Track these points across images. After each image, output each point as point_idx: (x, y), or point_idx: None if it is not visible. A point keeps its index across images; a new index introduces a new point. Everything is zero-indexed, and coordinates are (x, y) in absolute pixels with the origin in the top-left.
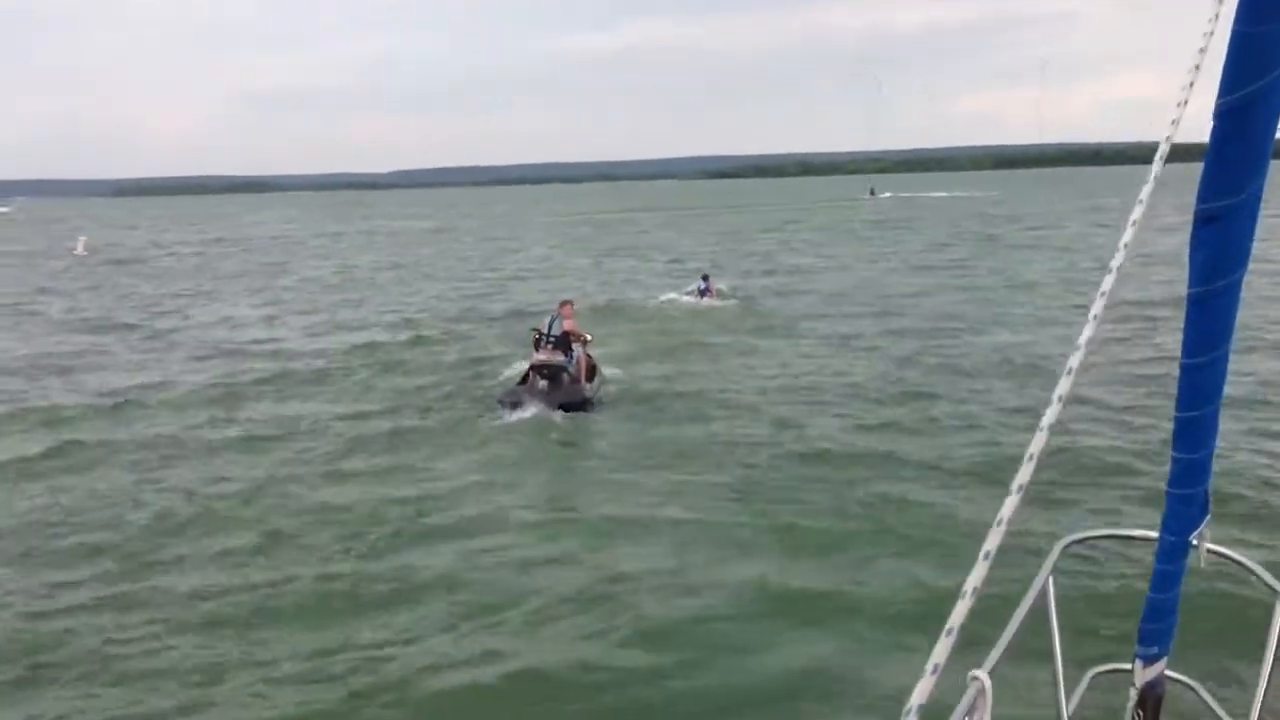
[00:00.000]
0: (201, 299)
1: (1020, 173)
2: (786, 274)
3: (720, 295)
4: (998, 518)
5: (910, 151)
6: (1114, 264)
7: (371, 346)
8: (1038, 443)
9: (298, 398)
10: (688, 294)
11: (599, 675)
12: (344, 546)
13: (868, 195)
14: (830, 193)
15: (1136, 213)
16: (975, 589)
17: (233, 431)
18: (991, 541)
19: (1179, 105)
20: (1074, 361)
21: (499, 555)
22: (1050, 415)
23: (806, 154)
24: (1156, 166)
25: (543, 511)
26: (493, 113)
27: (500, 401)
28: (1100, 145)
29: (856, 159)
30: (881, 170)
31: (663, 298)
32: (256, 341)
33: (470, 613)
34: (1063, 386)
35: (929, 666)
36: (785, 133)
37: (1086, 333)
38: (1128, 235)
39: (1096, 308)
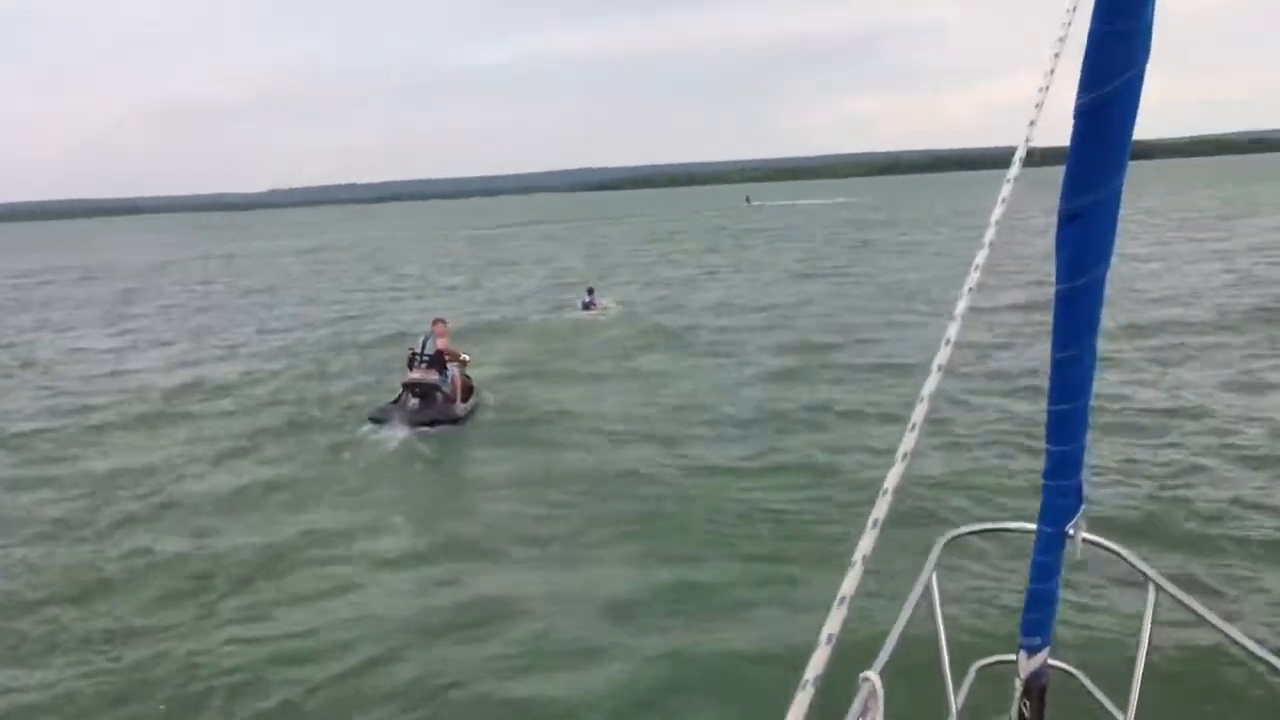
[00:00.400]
0: (48, 331)
1: (899, 178)
2: (667, 286)
3: (605, 309)
4: (883, 487)
5: (790, 160)
6: (977, 261)
7: (236, 373)
8: (919, 413)
9: (150, 430)
10: (573, 308)
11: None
12: (194, 579)
13: (745, 204)
14: (710, 203)
15: (997, 212)
16: (865, 556)
17: (70, 469)
18: (879, 509)
19: (1036, 106)
20: (951, 332)
21: (350, 578)
22: (929, 385)
23: (687, 164)
24: (1015, 169)
25: (402, 534)
26: (374, 129)
27: (370, 419)
28: (976, 150)
29: (738, 168)
30: (763, 179)
31: (546, 313)
32: (110, 375)
33: (318, 637)
34: (941, 356)
35: (823, 637)
36: (667, 144)
37: (953, 329)
38: (990, 234)
39: (961, 306)
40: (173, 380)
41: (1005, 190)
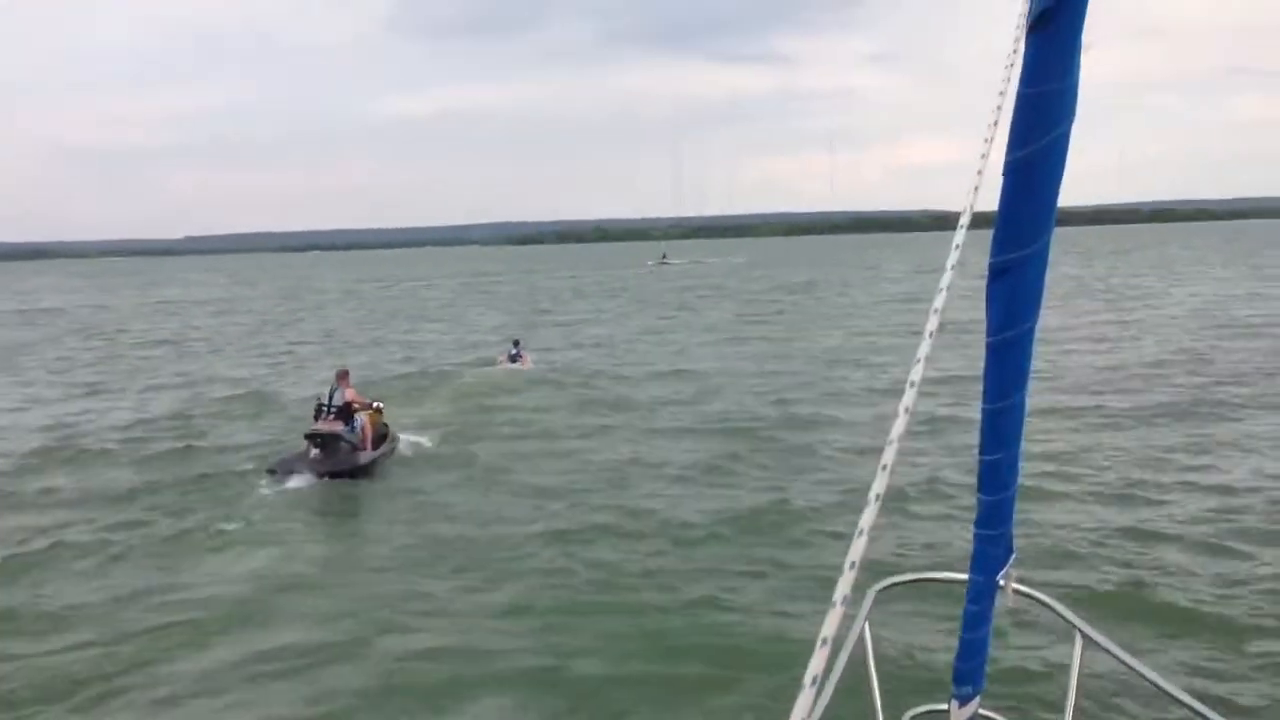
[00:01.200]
0: None
1: (814, 239)
2: (593, 345)
3: (530, 363)
4: (859, 528)
5: (711, 218)
6: (928, 329)
7: (132, 427)
8: (889, 455)
9: (31, 483)
10: (499, 361)
11: None
12: (84, 644)
13: (660, 260)
14: (630, 258)
15: (945, 279)
16: (868, 527)
17: None
18: (855, 552)
19: (979, 172)
20: (908, 401)
21: (239, 639)
22: (898, 428)
23: (609, 220)
24: (961, 234)
25: (297, 589)
26: (295, 175)
27: (270, 470)
28: (887, 213)
29: (658, 225)
30: (683, 236)
31: (473, 365)
32: None
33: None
34: (908, 398)
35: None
36: (589, 199)
37: (909, 397)
38: (939, 301)
39: (915, 373)
40: (57, 432)
41: (953, 256)
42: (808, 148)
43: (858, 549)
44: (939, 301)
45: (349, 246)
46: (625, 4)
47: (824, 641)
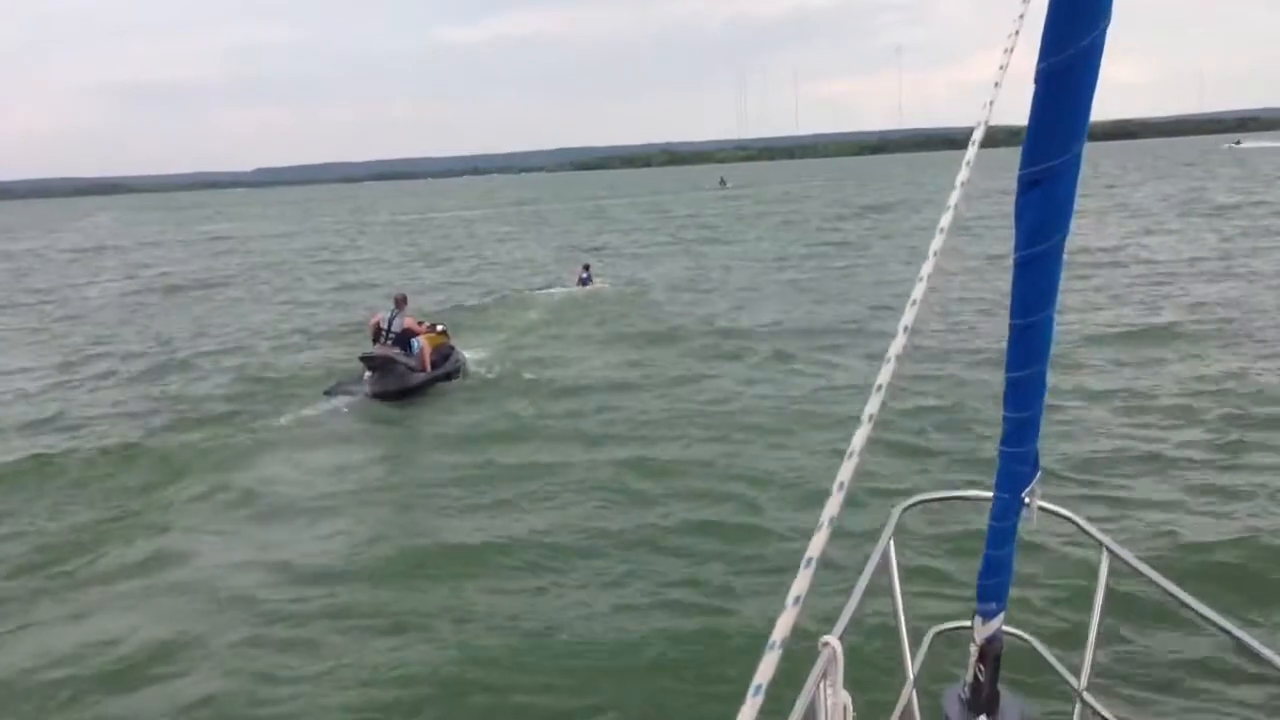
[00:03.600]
0: None
1: (882, 157)
2: (647, 263)
3: (600, 286)
4: (849, 450)
5: (775, 139)
6: (933, 247)
7: (193, 354)
8: (884, 375)
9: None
10: (569, 282)
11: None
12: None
13: (718, 185)
14: (691, 181)
15: (953, 196)
16: (831, 518)
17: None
18: (845, 472)
19: (996, 85)
20: (908, 319)
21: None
22: (895, 347)
23: (673, 143)
24: (971, 151)
25: (342, 500)
26: (362, 107)
27: (326, 392)
28: (953, 129)
29: (725, 146)
30: (747, 158)
31: (543, 287)
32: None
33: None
34: (908, 316)
35: (789, 599)
36: (652, 123)
37: (910, 315)
38: (945, 220)
39: (916, 291)
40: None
41: (963, 174)
42: (875, 65)
43: (847, 470)
44: (945, 220)
45: (412, 175)
46: None
47: (808, 562)
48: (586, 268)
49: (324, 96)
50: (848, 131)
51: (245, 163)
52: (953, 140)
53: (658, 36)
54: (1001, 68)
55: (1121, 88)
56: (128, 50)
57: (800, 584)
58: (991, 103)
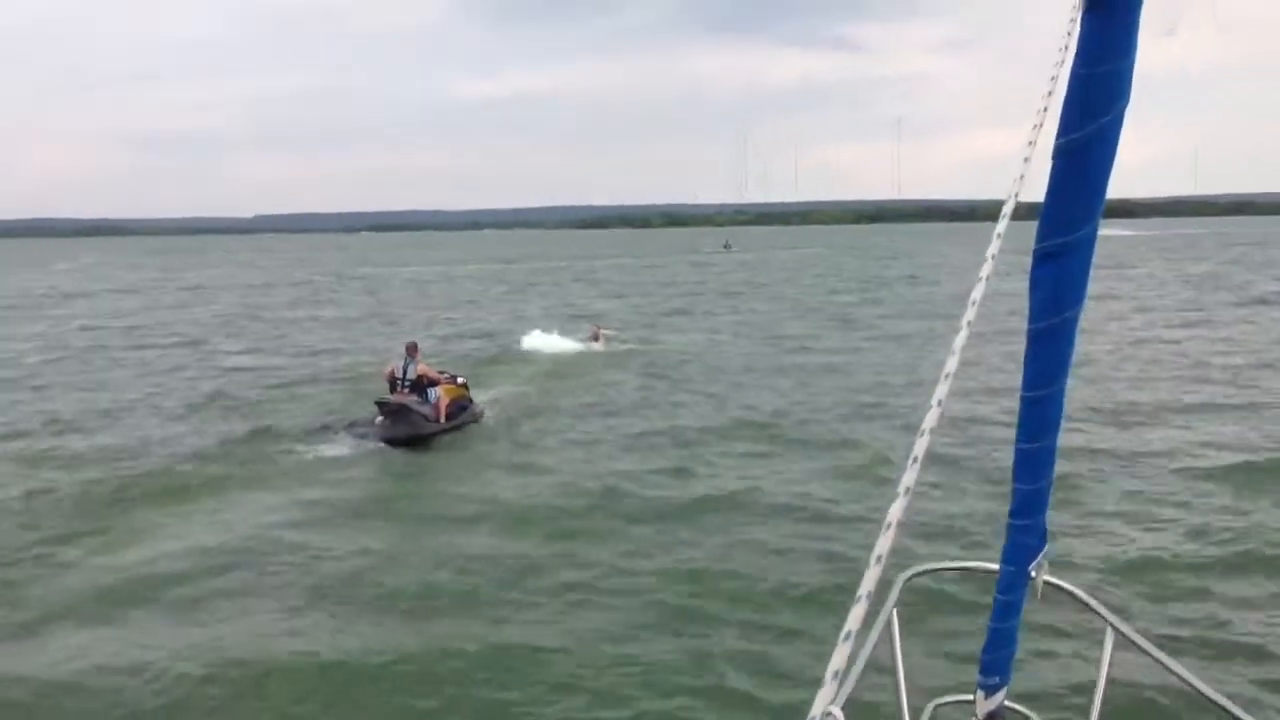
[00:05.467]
0: None
1: (881, 227)
2: (663, 329)
3: (608, 341)
4: (886, 521)
5: (774, 205)
6: (965, 320)
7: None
8: (919, 447)
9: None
10: (577, 340)
11: None
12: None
13: (723, 249)
14: (693, 245)
15: (985, 269)
16: (869, 593)
17: None
18: (882, 545)
19: (1025, 160)
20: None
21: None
22: (930, 419)
23: (673, 205)
24: (1001, 224)
25: (350, 542)
26: (362, 159)
27: (343, 433)
28: (953, 201)
29: (723, 210)
30: (746, 222)
31: (549, 344)
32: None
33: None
34: (942, 390)
35: (829, 673)
36: (653, 183)
37: (942, 389)
38: (977, 292)
39: (949, 365)
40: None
41: (994, 246)
42: (874, 135)
43: (885, 542)
44: (977, 292)
45: (414, 227)
46: None
47: (847, 636)
48: (594, 325)
49: (331, 145)
50: (847, 199)
51: (246, 209)
52: (951, 211)
53: (665, 98)
54: (1031, 143)
55: (1119, 167)
56: (138, 100)
57: (854, 618)
58: (1022, 176)
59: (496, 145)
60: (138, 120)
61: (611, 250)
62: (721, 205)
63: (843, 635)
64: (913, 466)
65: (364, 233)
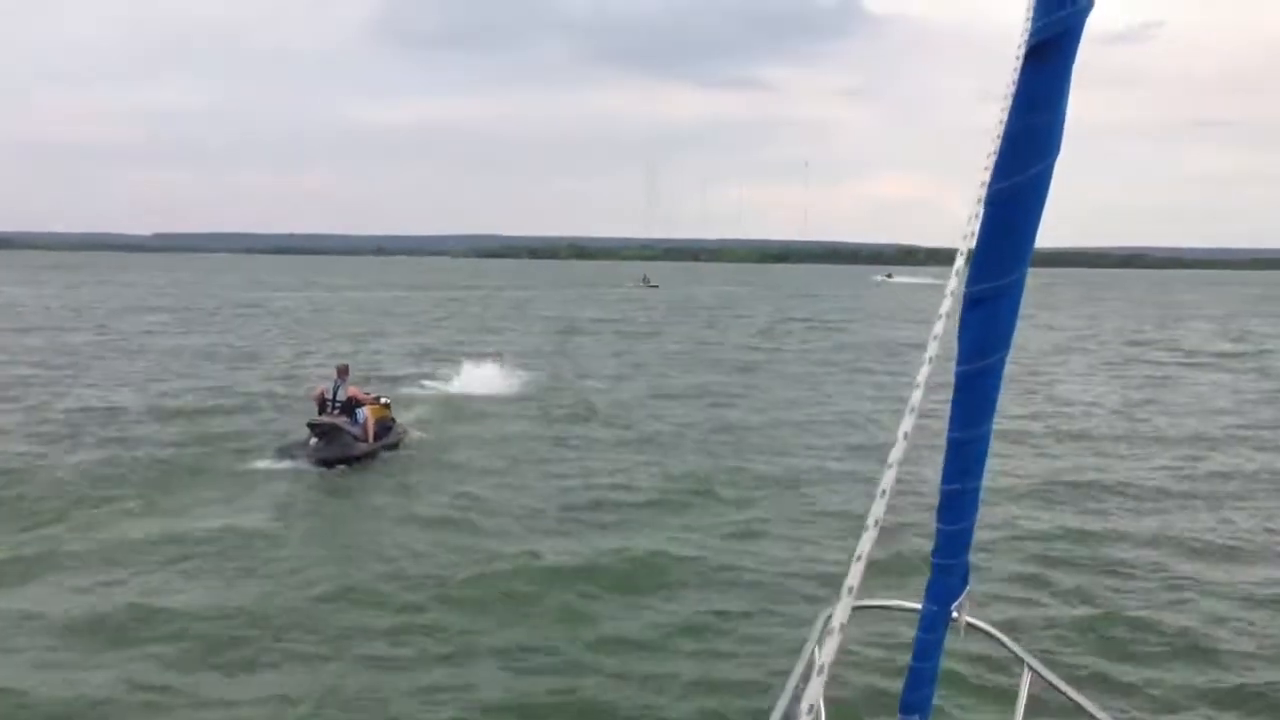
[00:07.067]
0: None
1: (788, 266)
2: (569, 356)
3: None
4: (856, 553)
5: (683, 240)
6: (928, 355)
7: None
8: (887, 480)
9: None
10: (489, 369)
11: None
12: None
13: (641, 283)
14: (608, 277)
15: (945, 305)
16: (841, 624)
17: None
18: (853, 577)
19: (976, 217)
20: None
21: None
22: (896, 452)
23: (581, 237)
24: (954, 281)
25: (290, 561)
26: (267, 178)
27: (275, 454)
28: (858, 244)
29: (630, 244)
30: (654, 258)
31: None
32: None
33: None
34: (907, 423)
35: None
36: (561, 215)
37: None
38: (938, 327)
39: (914, 398)
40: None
41: (946, 304)
42: (782, 176)
43: (856, 575)
44: (938, 328)
45: (318, 251)
46: (608, 23)
47: (820, 670)
48: (494, 355)
49: (233, 164)
50: (754, 239)
51: (144, 226)
52: (855, 254)
53: (574, 133)
54: (980, 200)
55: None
56: (25, 107)
57: (826, 653)
58: (974, 233)
59: (400, 172)
60: (22, 129)
61: (530, 281)
62: (628, 239)
63: (799, 673)
64: (881, 499)
65: (263, 255)
